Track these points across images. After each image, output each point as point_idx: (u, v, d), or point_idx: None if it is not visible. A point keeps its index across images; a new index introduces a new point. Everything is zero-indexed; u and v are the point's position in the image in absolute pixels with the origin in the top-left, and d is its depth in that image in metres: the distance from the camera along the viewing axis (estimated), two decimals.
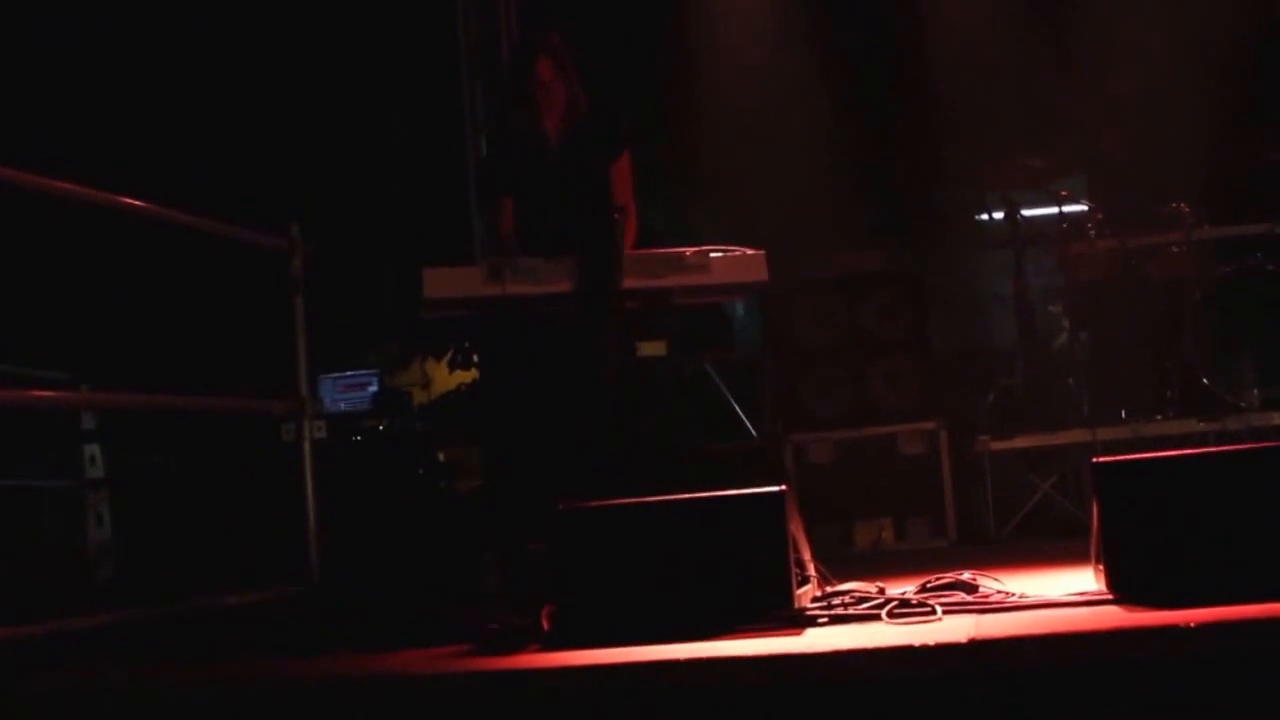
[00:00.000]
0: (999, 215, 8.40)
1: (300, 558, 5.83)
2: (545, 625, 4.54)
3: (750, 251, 5.82)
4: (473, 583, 5.67)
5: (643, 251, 5.74)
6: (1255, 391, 7.71)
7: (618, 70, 8.08)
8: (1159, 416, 7.65)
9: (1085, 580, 4.70)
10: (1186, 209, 8.07)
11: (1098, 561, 4.55)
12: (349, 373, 7.31)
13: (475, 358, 6.95)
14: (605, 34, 8.44)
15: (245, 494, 7.05)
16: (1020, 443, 7.60)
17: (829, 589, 4.84)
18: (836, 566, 5.11)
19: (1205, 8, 9.04)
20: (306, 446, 5.96)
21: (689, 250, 5.72)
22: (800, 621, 4.38)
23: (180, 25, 8.76)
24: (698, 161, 9.21)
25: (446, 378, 7.32)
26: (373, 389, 7.14)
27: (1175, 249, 8.02)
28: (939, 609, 4.33)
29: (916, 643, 3.86)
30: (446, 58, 8.54)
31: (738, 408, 7.80)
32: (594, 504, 4.71)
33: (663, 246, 5.90)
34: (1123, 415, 7.74)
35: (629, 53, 8.84)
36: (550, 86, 5.84)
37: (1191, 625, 3.77)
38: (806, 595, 4.65)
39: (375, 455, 6.60)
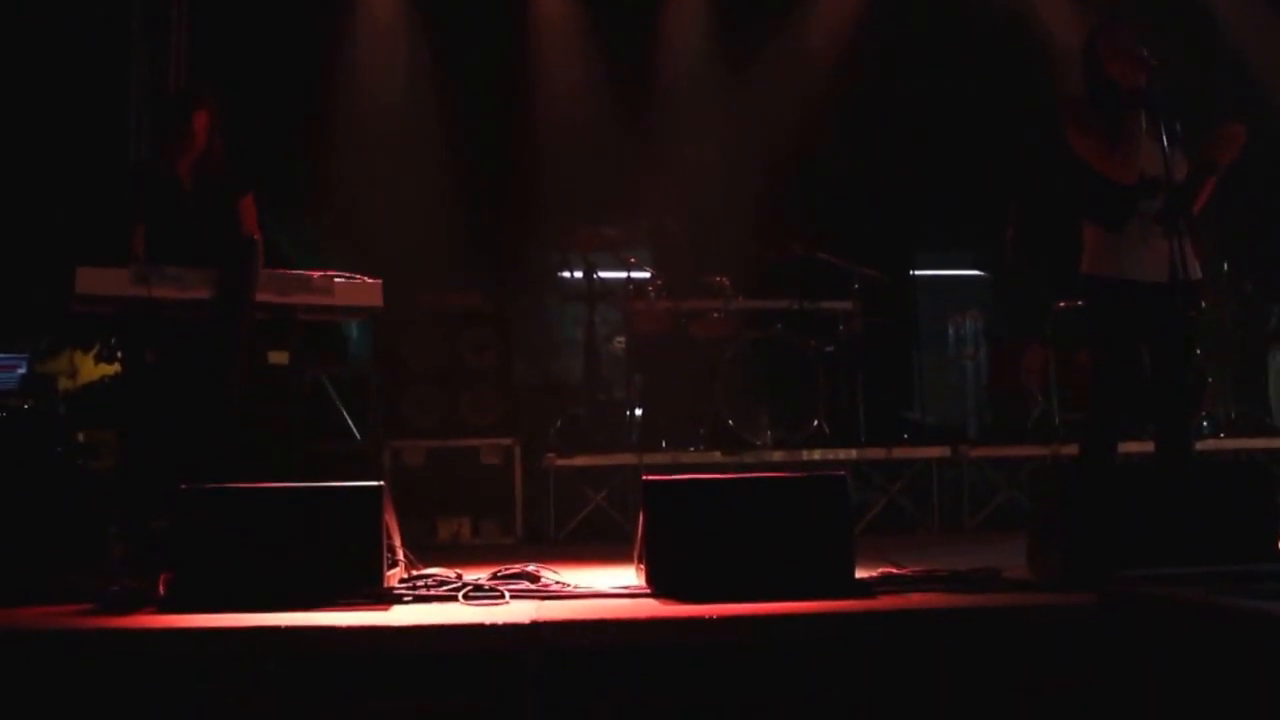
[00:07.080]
0: (578, 273, 8.47)
1: None
2: (162, 590, 4.35)
3: (369, 280, 5.80)
4: (100, 551, 5.33)
5: (277, 271, 5.60)
6: (768, 433, 7.90)
7: (265, 114, 7.86)
8: (692, 448, 7.82)
9: (628, 576, 4.77)
10: (727, 283, 8.40)
11: (640, 561, 4.63)
12: (0, 355, 6.78)
13: (120, 354, 6.61)
14: (259, 76, 8.22)
15: None
16: (580, 461, 7.68)
17: (415, 572, 4.78)
18: (421, 554, 5.08)
19: (757, 132, 9.58)
20: None
21: (316, 273, 5.69)
22: (388, 599, 4.31)
23: None
24: (332, 197, 9.03)
25: (92, 369, 6.88)
26: (22, 371, 6.63)
27: (716, 314, 8.32)
28: (507, 594, 4.34)
29: (487, 621, 3.83)
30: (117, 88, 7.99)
31: (346, 414, 7.62)
32: (213, 486, 4.53)
33: (293, 269, 5.73)
34: (663, 445, 7.86)
35: (280, 97, 8.57)
36: (197, 136, 5.72)
37: (713, 617, 3.87)
38: (395, 577, 4.61)
39: (18, 431, 6.12)
